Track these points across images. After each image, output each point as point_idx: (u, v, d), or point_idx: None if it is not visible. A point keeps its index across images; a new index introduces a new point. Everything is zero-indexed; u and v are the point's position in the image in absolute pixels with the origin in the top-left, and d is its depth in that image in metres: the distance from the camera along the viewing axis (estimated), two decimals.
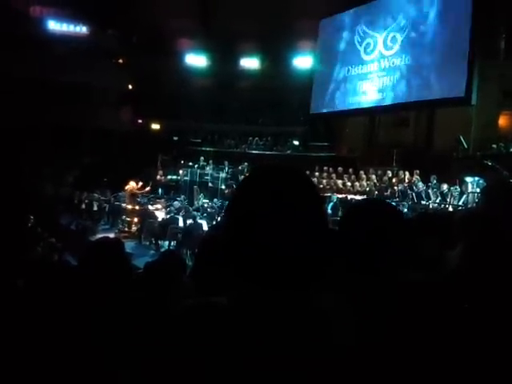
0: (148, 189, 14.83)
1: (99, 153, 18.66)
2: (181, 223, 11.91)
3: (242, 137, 20.30)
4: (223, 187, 16.05)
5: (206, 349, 0.84)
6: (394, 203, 10.04)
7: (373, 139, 17.80)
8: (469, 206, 10.20)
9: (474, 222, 1.63)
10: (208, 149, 19.71)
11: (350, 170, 15.25)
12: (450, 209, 10.77)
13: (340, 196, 13.47)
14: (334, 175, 15.28)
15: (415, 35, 13.78)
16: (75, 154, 18.31)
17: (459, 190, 11.40)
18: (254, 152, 19.09)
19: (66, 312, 2.00)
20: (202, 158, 18.01)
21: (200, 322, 0.87)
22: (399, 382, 1.13)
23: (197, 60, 21.31)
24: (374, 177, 14.37)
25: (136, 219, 13.54)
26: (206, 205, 14.43)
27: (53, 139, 17.84)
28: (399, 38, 14.45)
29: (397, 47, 14.72)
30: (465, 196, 11.00)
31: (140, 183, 14.25)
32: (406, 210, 11.28)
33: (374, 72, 15.55)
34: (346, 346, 0.87)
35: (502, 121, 14.74)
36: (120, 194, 14.78)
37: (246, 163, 16.83)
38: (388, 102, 15.19)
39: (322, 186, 14.66)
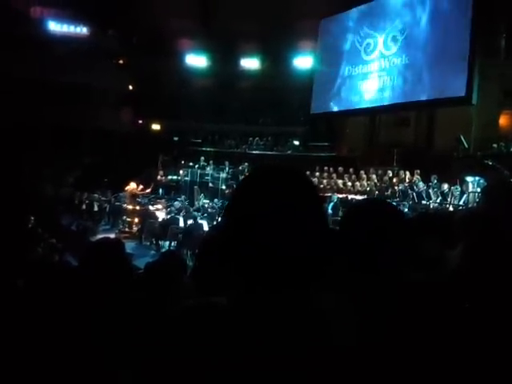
0: (149, 190, 14.84)
1: (100, 153, 18.66)
2: (181, 223, 11.91)
3: (242, 137, 20.30)
4: (224, 187, 16.06)
5: (206, 349, 0.84)
6: (394, 203, 10.03)
7: (373, 139, 17.80)
8: (469, 205, 10.20)
9: (475, 221, 1.63)
10: (208, 149, 19.71)
11: (351, 169, 15.25)
12: (451, 208, 10.76)
13: (340, 196, 13.48)
14: (334, 175, 15.28)
15: (414, 36, 13.86)
16: (75, 155, 18.32)
17: (460, 189, 11.39)
18: (254, 152, 19.09)
19: (66, 312, 2.00)
20: (202, 158, 18.01)
21: (200, 323, 0.87)
22: (400, 382, 1.13)
23: (197, 60, 21.32)
24: (374, 177, 14.37)
25: (136, 219, 13.54)
26: (206, 205, 14.43)
27: (53, 140, 17.85)
28: (399, 38, 14.51)
29: (397, 47, 14.75)
30: (465, 196, 11.00)
31: (140, 186, 14.26)
32: (406, 209, 11.28)
33: (375, 72, 15.52)
34: (346, 347, 0.87)
35: (503, 120, 14.74)
36: (120, 194, 14.79)
37: (246, 163, 16.83)
38: (388, 101, 15.16)
39: (322, 185, 14.66)
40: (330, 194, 13.52)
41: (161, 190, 17.02)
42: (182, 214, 12.49)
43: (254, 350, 0.82)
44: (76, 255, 7.12)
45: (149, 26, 19.60)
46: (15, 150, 14.15)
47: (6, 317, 2.06)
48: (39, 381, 1.85)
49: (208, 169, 17.31)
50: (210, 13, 18.94)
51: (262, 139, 19.87)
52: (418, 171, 13.40)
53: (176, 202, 13.82)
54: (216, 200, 14.72)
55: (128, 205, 13.85)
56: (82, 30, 20.42)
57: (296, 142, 19.50)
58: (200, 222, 11.65)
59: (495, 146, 13.31)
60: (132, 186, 13.93)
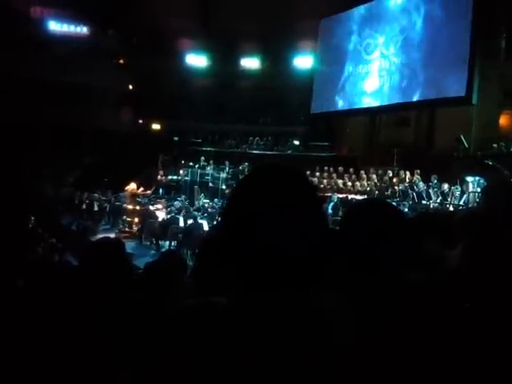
0: (149, 192, 14.86)
1: (100, 153, 18.67)
2: (181, 223, 11.91)
3: (242, 137, 20.29)
4: (224, 187, 16.06)
5: (206, 349, 0.84)
6: (394, 203, 10.04)
7: (373, 139, 17.79)
8: (469, 205, 10.20)
9: (475, 221, 1.63)
10: (208, 149, 19.70)
11: (351, 169, 15.25)
12: (451, 208, 10.77)
13: (341, 196, 13.48)
14: (334, 175, 15.28)
15: (413, 39, 13.96)
16: (76, 155, 18.33)
17: (460, 189, 11.39)
18: (254, 152, 19.08)
19: (66, 312, 2.00)
20: (202, 158, 18.01)
21: (200, 322, 0.87)
22: (400, 382, 1.13)
23: (197, 60, 21.31)
24: (374, 176, 14.37)
25: (137, 219, 13.54)
26: (206, 205, 14.43)
27: (53, 140, 17.86)
28: (398, 40, 14.62)
29: (397, 48, 14.85)
30: (465, 196, 11.00)
31: (141, 188, 14.27)
32: (406, 209, 11.28)
33: (375, 72, 15.57)
34: (346, 347, 0.87)
35: (503, 120, 14.74)
36: (121, 194, 14.79)
37: (246, 163, 16.82)
38: (388, 101, 15.23)
39: (322, 185, 14.66)
40: (330, 194, 13.52)
41: (161, 190, 17.02)
42: (182, 213, 12.49)
43: (254, 349, 0.82)
44: (76, 255, 7.12)
45: (149, 25, 19.60)
46: (15, 150, 14.15)
47: (6, 317, 2.06)
48: (39, 381, 1.85)
49: (208, 168, 17.32)
50: (210, 13, 18.95)
51: (262, 139, 19.87)
52: (418, 171, 13.40)
53: (176, 202, 13.82)
54: (216, 200, 14.72)
55: (128, 205, 13.85)
56: (82, 30, 20.42)
57: (296, 142, 19.50)
58: (200, 221, 11.65)
59: (495, 146, 13.31)
60: (132, 185, 13.93)
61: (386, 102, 15.00)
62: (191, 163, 17.91)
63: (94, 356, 1.87)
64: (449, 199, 11.62)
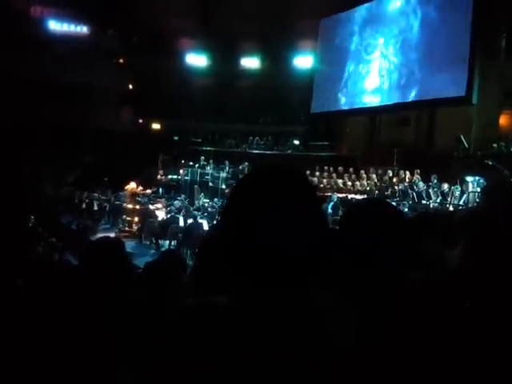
0: (149, 190, 14.86)
1: (100, 152, 18.67)
2: (181, 223, 11.91)
3: (242, 136, 20.30)
4: (224, 187, 16.07)
5: (206, 348, 0.84)
6: (394, 203, 10.04)
7: (373, 139, 17.79)
8: (469, 205, 10.20)
9: (475, 221, 1.63)
10: (208, 148, 19.71)
11: (351, 169, 15.26)
12: (451, 208, 10.77)
13: (340, 195, 13.49)
14: (334, 175, 15.29)
15: (411, 39, 14.10)
16: (76, 154, 18.33)
17: (460, 189, 11.40)
18: (254, 152, 19.08)
19: (66, 312, 2.00)
20: (202, 157, 18.01)
21: (200, 322, 0.87)
22: (400, 382, 1.13)
23: (197, 60, 21.31)
24: (374, 176, 14.38)
25: (136, 219, 13.55)
26: (206, 204, 14.44)
27: (53, 139, 17.86)
28: (397, 40, 14.74)
29: (396, 48, 14.94)
30: (465, 195, 11.00)
31: (140, 187, 14.27)
32: (406, 209, 11.29)
33: (375, 71, 15.64)
34: (346, 346, 0.87)
35: (503, 120, 14.73)
36: (120, 193, 14.80)
37: (246, 163, 16.83)
38: (389, 101, 15.25)
39: (322, 185, 14.67)
40: (329, 194, 13.53)
41: (161, 190, 17.03)
42: (181, 213, 12.49)
43: (254, 349, 0.82)
44: (76, 254, 7.12)
45: (149, 25, 19.60)
46: (15, 150, 14.15)
47: (6, 316, 2.06)
48: (40, 380, 1.85)
49: (208, 168, 17.32)
50: (210, 12, 18.95)
51: (262, 139, 19.87)
52: (418, 171, 13.41)
53: (176, 202, 13.83)
54: (216, 199, 14.73)
55: (128, 204, 13.86)
56: (82, 30, 20.42)
57: (296, 142, 19.50)
58: (200, 221, 11.65)
59: (495, 145, 13.31)
60: (132, 185, 13.94)
61: (385, 99, 15.06)
62: (191, 163, 17.92)
63: (94, 355, 1.87)
64: (449, 199, 11.62)
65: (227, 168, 17.37)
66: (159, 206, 14.12)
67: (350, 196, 13.53)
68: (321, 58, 17.94)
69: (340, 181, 14.74)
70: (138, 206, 13.85)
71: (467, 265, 1.54)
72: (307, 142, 19.29)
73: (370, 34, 15.37)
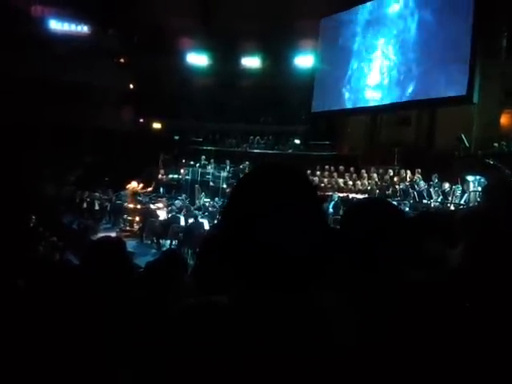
0: (150, 189, 14.86)
1: (101, 152, 18.66)
2: (182, 222, 11.92)
3: (243, 136, 20.29)
4: (224, 186, 16.08)
5: (207, 348, 0.84)
6: (395, 202, 10.03)
7: (374, 138, 17.78)
8: (470, 204, 10.19)
9: (476, 221, 1.63)
10: (209, 148, 19.70)
11: (352, 168, 15.26)
12: (452, 208, 10.77)
13: (341, 195, 13.49)
14: (335, 174, 15.28)
15: (409, 39, 14.49)
16: (76, 154, 18.32)
17: (461, 188, 11.39)
18: (255, 151, 19.08)
19: (67, 311, 2.01)
20: (203, 157, 18.00)
21: (201, 322, 0.87)
22: (400, 382, 1.13)
23: (198, 59, 21.30)
24: (375, 176, 14.38)
25: (137, 218, 13.55)
26: (207, 204, 14.45)
27: (54, 139, 17.86)
28: (397, 40, 15.05)
29: (395, 48, 15.18)
30: (466, 195, 11.00)
31: (141, 185, 14.27)
32: (407, 208, 11.28)
33: (377, 68, 15.81)
34: (346, 346, 0.87)
35: (504, 119, 14.71)
36: (122, 193, 14.81)
37: (247, 162, 16.82)
38: (390, 100, 15.34)
39: (323, 184, 14.68)
40: (330, 193, 13.53)
41: (162, 189, 17.03)
42: (182, 212, 12.49)
43: (255, 349, 0.82)
44: (77, 254, 7.12)
45: (150, 24, 19.61)
46: (16, 149, 14.16)
47: (6, 316, 2.06)
48: (40, 380, 1.85)
49: (209, 168, 17.32)
50: (211, 11, 18.94)
51: (262, 138, 19.87)
52: (419, 170, 13.41)
53: (177, 201, 13.83)
54: (217, 199, 14.74)
55: (129, 203, 13.86)
56: (83, 29, 20.41)
57: (297, 141, 19.49)
58: (201, 220, 11.65)
59: (496, 145, 13.30)
60: (133, 184, 13.94)
61: (385, 94, 15.33)
62: (192, 162, 17.92)
63: (95, 355, 1.87)
64: (450, 198, 11.62)
65: (228, 167, 17.38)
66: (160, 205, 14.13)
67: (350, 195, 13.54)
68: (322, 58, 17.96)
69: (341, 180, 14.74)
70: (139, 206, 13.86)
71: (468, 264, 1.54)
72: (308, 142, 19.28)
73: (372, 34, 15.72)
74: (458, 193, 11.45)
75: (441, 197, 11.88)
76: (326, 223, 0.94)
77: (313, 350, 0.83)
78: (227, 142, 20.28)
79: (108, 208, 15.16)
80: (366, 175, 14.65)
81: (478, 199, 9.68)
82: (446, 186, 11.88)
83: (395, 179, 13.78)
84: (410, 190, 12.35)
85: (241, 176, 1.02)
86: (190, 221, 11.72)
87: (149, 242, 12.50)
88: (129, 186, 13.96)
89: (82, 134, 19.40)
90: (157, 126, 21.93)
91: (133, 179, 14.11)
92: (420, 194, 12.06)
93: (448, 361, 1.23)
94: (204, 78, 20.71)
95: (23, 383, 1.86)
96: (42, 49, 18.21)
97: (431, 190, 12.15)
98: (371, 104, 15.87)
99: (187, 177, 17.10)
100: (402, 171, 13.91)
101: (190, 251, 9.98)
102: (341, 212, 11.69)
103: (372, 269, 1.27)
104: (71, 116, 18.61)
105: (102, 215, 15.19)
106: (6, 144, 13.66)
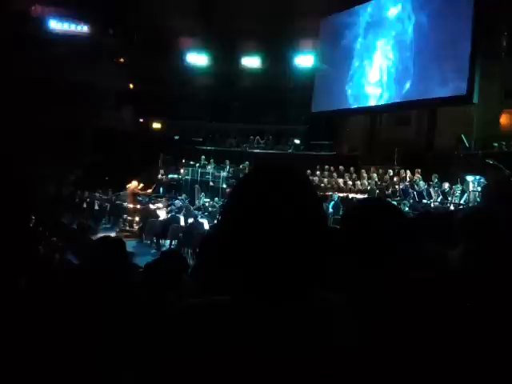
0: (150, 190, 14.86)
1: (100, 152, 18.66)
2: (182, 222, 11.91)
3: (243, 136, 20.29)
4: (224, 186, 16.08)
5: (208, 347, 0.84)
6: (395, 202, 10.04)
7: (374, 138, 17.78)
8: (470, 204, 10.20)
9: (476, 220, 1.63)
10: (209, 148, 19.70)
11: (352, 168, 15.27)
12: (452, 208, 10.77)
13: (341, 195, 13.49)
14: (335, 174, 15.29)
15: (406, 40, 14.94)
16: (76, 154, 18.32)
17: (461, 188, 11.39)
18: (255, 151, 19.07)
19: (67, 311, 2.01)
20: (203, 157, 18.00)
21: (202, 321, 0.87)
22: (401, 382, 1.13)
23: (198, 59, 21.29)
24: (375, 175, 14.39)
25: (137, 218, 13.55)
26: (207, 204, 14.45)
27: (54, 138, 17.84)
28: (395, 41, 15.41)
29: (394, 48, 15.48)
30: (466, 195, 11.00)
31: (141, 185, 14.27)
32: (407, 208, 11.29)
33: (377, 66, 16.01)
34: (346, 347, 0.87)
35: (504, 119, 14.72)
36: (121, 193, 14.80)
37: (247, 162, 16.84)
38: (389, 100, 15.43)
39: (323, 184, 14.68)
40: (330, 193, 13.54)
41: (161, 189, 17.03)
42: (182, 212, 12.49)
43: (256, 349, 0.82)
44: (77, 254, 7.11)
45: (150, 24, 19.60)
46: (16, 149, 14.15)
47: (7, 316, 2.06)
48: (41, 380, 1.85)
49: (209, 167, 17.32)
50: (211, 11, 18.93)
51: (262, 138, 19.86)
52: (419, 170, 13.41)
53: (177, 201, 13.83)
54: (217, 199, 14.74)
55: (129, 203, 13.86)
56: (83, 29, 20.41)
57: (297, 141, 19.48)
58: (201, 220, 11.64)
59: (496, 145, 13.30)
60: (134, 183, 13.94)
61: (384, 90, 15.63)
62: (192, 162, 17.90)
63: (96, 354, 1.88)
64: (449, 198, 11.63)
65: (228, 167, 17.38)
66: (160, 205, 14.12)
67: (350, 195, 13.54)
68: (323, 57, 18.01)
69: (341, 180, 14.74)
70: (138, 206, 13.86)
71: (468, 264, 1.54)
72: (308, 142, 19.28)
73: (372, 36, 16.22)
74: (458, 193, 11.45)
75: (440, 197, 11.88)
76: (326, 223, 0.94)
77: (312, 351, 0.83)
78: (227, 141, 20.27)
79: (108, 208, 15.16)
80: (365, 175, 14.65)
81: (478, 199, 9.69)
82: (446, 185, 11.89)
83: (395, 179, 13.78)
84: (410, 190, 12.35)
85: (240, 176, 1.02)
86: (190, 221, 11.71)
87: (148, 241, 12.49)
88: (130, 184, 13.96)
89: (82, 133, 19.40)
90: (157, 125, 21.93)
91: (133, 179, 14.11)
92: (420, 193, 12.06)
93: (449, 360, 1.23)
94: (204, 77, 20.70)
95: (24, 383, 1.86)
96: (42, 49, 18.21)
97: (431, 189, 12.15)
98: (371, 99, 16.13)
99: (187, 177, 17.11)
100: (402, 171, 13.92)
101: (189, 251, 9.97)
102: (341, 212, 11.69)
103: (372, 269, 1.27)
104: (71, 116, 18.60)
105: (101, 215, 15.18)
106: (7, 144, 13.66)
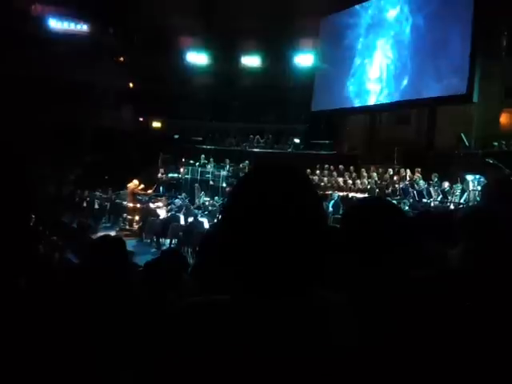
0: (150, 191, 14.87)
1: (100, 151, 18.66)
2: (182, 221, 11.91)
3: (243, 135, 20.29)
4: (224, 185, 16.09)
5: (208, 347, 0.84)
6: (395, 201, 10.04)
7: (374, 137, 17.78)
8: (470, 203, 10.20)
9: (475, 220, 1.63)
10: (209, 147, 19.69)
11: (351, 167, 15.26)
12: (452, 207, 10.77)
13: (341, 194, 13.49)
14: (335, 173, 15.29)
15: (404, 40, 15.36)
16: (76, 153, 18.32)
17: (460, 187, 11.40)
18: (255, 150, 19.07)
19: (67, 310, 2.01)
20: (203, 156, 18.00)
21: (202, 320, 0.87)
22: (400, 382, 1.14)
23: (198, 58, 21.27)
24: (375, 175, 14.38)
25: (137, 217, 13.55)
26: (207, 203, 14.45)
27: (54, 137, 17.84)
28: (394, 40, 15.73)
29: (393, 47, 15.75)
30: (466, 194, 11.00)
31: (142, 185, 14.27)
32: (407, 208, 11.29)
33: (377, 64, 16.20)
34: (346, 346, 0.87)
35: (504, 118, 14.72)
36: (121, 192, 14.80)
37: (247, 161, 16.84)
38: (389, 99, 15.49)
39: (323, 183, 14.68)
40: (330, 192, 13.54)
41: (161, 188, 17.04)
42: (182, 211, 12.49)
43: (256, 348, 0.82)
44: (77, 253, 7.11)
45: (150, 23, 19.59)
46: (16, 149, 14.14)
47: (7, 316, 2.06)
48: (41, 380, 1.85)
49: (209, 167, 17.33)
50: (211, 10, 18.92)
51: (262, 137, 19.85)
52: (419, 169, 13.41)
53: (177, 200, 13.83)
54: (216, 198, 14.74)
55: (129, 202, 13.86)
56: (83, 28, 20.39)
57: (297, 140, 19.46)
58: (201, 219, 11.65)
59: (496, 144, 13.31)
60: (134, 182, 13.94)
61: (384, 86, 15.90)
62: (192, 161, 17.90)
63: (96, 354, 1.88)
64: (449, 197, 11.63)
65: (228, 166, 17.39)
66: (160, 204, 14.12)
67: (350, 194, 13.54)
68: (323, 56, 18.04)
69: (341, 179, 14.74)
70: (138, 205, 13.86)
71: (468, 263, 1.54)
72: (308, 141, 19.27)
73: (373, 36, 16.61)
74: (458, 192, 11.45)
75: (440, 196, 11.88)
76: (325, 222, 0.94)
77: (312, 350, 0.83)
78: (227, 141, 20.27)
79: (108, 207, 15.16)
80: (365, 174, 14.65)
81: (478, 198, 9.69)
82: (446, 185, 11.89)
83: (395, 178, 13.78)
84: (410, 189, 12.35)
85: (240, 175, 1.02)
86: (190, 220, 11.72)
87: (148, 241, 12.50)
88: (130, 184, 13.96)
89: (82, 132, 19.39)
90: (156, 124, 21.92)
91: (133, 178, 14.11)
92: (420, 193, 12.05)
93: (449, 360, 1.23)
94: (204, 76, 20.68)
95: (24, 383, 1.86)
96: (42, 48, 18.18)
97: (431, 189, 12.15)
98: (372, 95, 16.34)
99: (187, 176, 17.11)
100: (402, 170, 13.92)
101: (189, 250, 9.97)
102: (341, 211, 11.70)
103: (371, 268, 1.27)
104: (71, 115, 18.59)
105: (101, 214, 15.18)
106: (7, 143, 13.64)
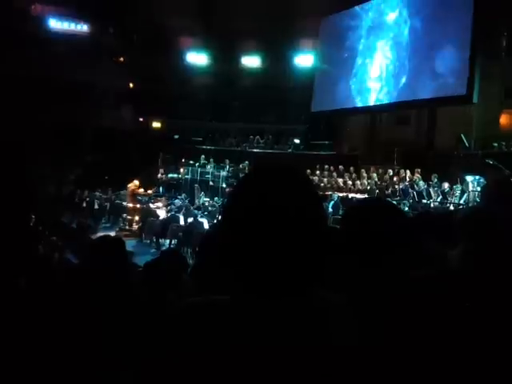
0: (150, 192, 14.87)
1: (100, 151, 18.65)
2: (182, 222, 11.91)
3: (242, 135, 20.29)
4: (224, 186, 16.09)
5: (208, 347, 0.84)
6: (394, 202, 10.03)
7: (374, 137, 17.78)
8: (470, 204, 10.20)
9: (475, 221, 1.63)
10: (209, 147, 19.69)
11: (351, 168, 15.27)
12: (451, 208, 10.77)
13: (341, 194, 13.50)
14: (335, 174, 15.29)
15: (402, 41, 15.60)
16: (76, 153, 18.31)
17: (460, 188, 11.40)
18: (255, 150, 19.07)
19: (67, 310, 2.01)
20: (202, 156, 18.00)
21: (202, 321, 0.87)
22: (400, 382, 1.14)
23: (198, 58, 21.27)
24: (374, 175, 14.39)
25: (137, 217, 13.55)
26: (206, 203, 14.45)
27: (54, 138, 17.84)
28: (393, 42, 15.87)
29: (392, 48, 15.86)
30: (466, 195, 11.00)
31: (141, 190, 14.28)
32: (406, 208, 11.29)
33: (377, 64, 16.28)
34: (346, 346, 0.87)
35: (504, 119, 14.72)
36: (121, 192, 14.80)
37: (246, 162, 16.85)
38: (389, 97, 15.52)
39: (323, 184, 14.69)
40: (330, 193, 13.55)
41: (161, 188, 17.04)
42: (182, 212, 12.49)
43: (256, 348, 0.82)
44: (76, 253, 7.11)
45: (149, 23, 19.59)
46: (16, 148, 14.14)
47: (8, 315, 2.07)
48: (41, 380, 1.85)
49: (208, 167, 17.33)
50: (211, 10, 18.92)
51: (262, 137, 19.86)
52: (419, 170, 13.41)
53: (176, 200, 13.84)
54: (216, 198, 14.75)
55: (128, 203, 13.86)
56: (83, 28, 20.39)
57: (297, 141, 19.47)
58: (200, 220, 11.65)
59: (496, 145, 13.31)
60: (135, 183, 13.94)
61: (384, 85, 16.04)
62: (191, 161, 17.90)
63: (95, 354, 1.88)
64: (449, 198, 11.63)
65: (227, 167, 17.39)
66: (160, 204, 14.12)
67: (350, 195, 13.54)
68: (324, 57, 18.07)
69: (340, 180, 14.75)
70: (138, 205, 13.86)
71: (468, 264, 1.54)
72: (308, 141, 19.27)
73: (373, 37, 16.85)
74: (458, 193, 11.46)
75: (440, 197, 11.88)
76: (325, 223, 0.94)
77: (312, 350, 0.83)
78: (227, 141, 20.26)
79: (107, 207, 15.16)
80: (365, 175, 14.66)
81: (478, 199, 9.69)
82: (446, 185, 11.89)
83: (395, 179, 13.78)
84: (410, 190, 12.35)
85: (240, 175, 1.02)
86: (190, 220, 11.72)
87: (148, 241, 12.50)
88: (131, 184, 13.96)
89: (82, 132, 19.38)
90: (156, 125, 21.92)
91: (133, 179, 14.11)
92: (419, 193, 12.06)
93: (448, 360, 1.23)
94: (204, 77, 20.68)
95: (24, 383, 1.86)
96: (42, 48, 18.18)
97: (431, 189, 12.15)
98: (373, 92, 16.46)
99: (187, 176, 17.11)
100: (402, 171, 13.92)
101: (189, 250, 9.98)
102: (340, 212, 11.70)
103: (371, 269, 1.27)
104: (71, 115, 18.58)
105: (101, 214, 15.18)
106: (7, 143, 13.64)
